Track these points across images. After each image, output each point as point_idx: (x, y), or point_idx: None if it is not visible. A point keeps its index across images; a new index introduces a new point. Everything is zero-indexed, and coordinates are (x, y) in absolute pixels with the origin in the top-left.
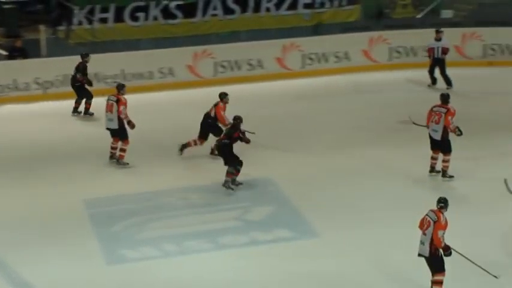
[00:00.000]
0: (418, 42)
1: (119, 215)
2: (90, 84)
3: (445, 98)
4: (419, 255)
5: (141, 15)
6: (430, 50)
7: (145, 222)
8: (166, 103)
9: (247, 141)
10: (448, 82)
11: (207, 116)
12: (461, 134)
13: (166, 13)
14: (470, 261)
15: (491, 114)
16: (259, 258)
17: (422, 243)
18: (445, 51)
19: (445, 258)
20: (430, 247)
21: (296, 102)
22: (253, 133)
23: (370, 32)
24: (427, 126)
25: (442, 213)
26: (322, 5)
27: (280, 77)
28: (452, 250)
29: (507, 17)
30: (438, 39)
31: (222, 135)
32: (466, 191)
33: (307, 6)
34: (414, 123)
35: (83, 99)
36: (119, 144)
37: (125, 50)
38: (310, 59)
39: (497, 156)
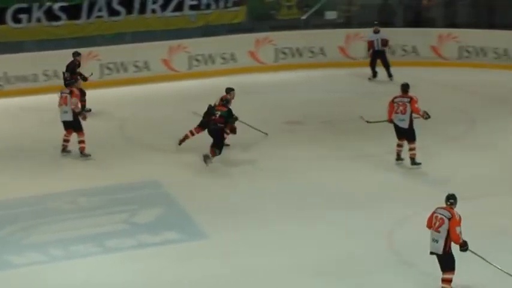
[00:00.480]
0: (303, 43)
1: (5, 220)
2: (85, 79)
3: (405, 88)
4: (432, 253)
5: (24, 16)
6: (370, 43)
7: (32, 226)
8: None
9: (234, 131)
10: (389, 74)
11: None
12: (429, 117)
13: (50, 15)
14: (481, 257)
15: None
16: (147, 261)
17: (435, 241)
18: (384, 42)
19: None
20: (445, 244)
21: (183, 103)
22: (265, 134)
23: (256, 33)
24: (388, 121)
25: (454, 210)
26: (208, 6)
27: (166, 79)
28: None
29: (389, 19)
30: (376, 32)
31: (218, 117)
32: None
33: (193, 7)
34: (368, 121)
35: (82, 95)
36: (76, 137)
37: (8, 52)
38: (197, 60)
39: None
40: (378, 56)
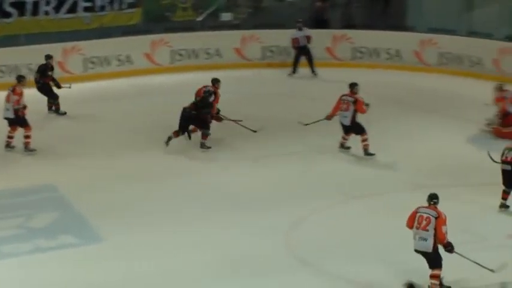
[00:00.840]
0: (199, 45)
1: None
2: (58, 86)
3: (352, 87)
4: (418, 251)
5: None
6: (295, 41)
7: None
8: None
9: (219, 119)
10: (313, 70)
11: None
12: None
13: None
14: (465, 257)
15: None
16: (44, 266)
17: (423, 239)
18: (308, 39)
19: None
20: (434, 242)
21: (79, 106)
22: (254, 131)
23: (152, 35)
24: (328, 117)
25: (438, 209)
26: (102, 8)
27: (61, 82)
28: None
29: (283, 20)
30: (300, 29)
31: (191, 105)
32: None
33: (87, 9)
34: (306, 124)
35: (53, 98)
36: (23, 132)
37: None
38: (92, 62)
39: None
40: (302, 53)
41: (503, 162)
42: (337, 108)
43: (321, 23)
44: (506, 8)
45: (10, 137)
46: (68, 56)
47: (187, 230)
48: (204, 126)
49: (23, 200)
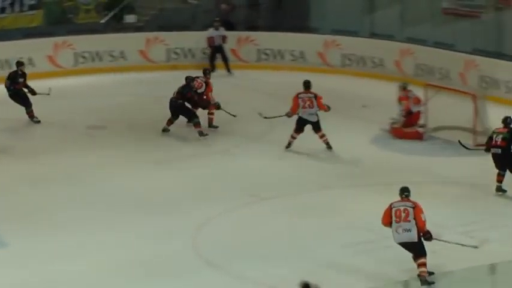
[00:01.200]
0: (103, 47)
1: None
2: (33, 92)
3: (307, 84)
4: (403, 243)
5: None
6: (210, 40)
7: None
8: None
9: (204, 107)
10: (229, 70)
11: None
12: (330, 109)
13: None
14: (445, 241)
15: None
16: None
17: (408, 230)
18: (224, 39)
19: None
20: (417, 232)
21: None
22: (234, 115)
23: (54, 37)
24: (288, 114)
25: (411, 200)
26: (2, 10)
27: None
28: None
29: (188, 22)
30: (217, 29)
31: (176, 94)
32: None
33: None
34: (266, 117)
35: (26, 106)
36: None
37: None
38: None
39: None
40: (218, 51)
41: (493, 146)
42: (296, 106)
43: (226, 25)
44: (407, 10)
45: None
46: None
47: (96, 233)
48: (191, 116)
49: None
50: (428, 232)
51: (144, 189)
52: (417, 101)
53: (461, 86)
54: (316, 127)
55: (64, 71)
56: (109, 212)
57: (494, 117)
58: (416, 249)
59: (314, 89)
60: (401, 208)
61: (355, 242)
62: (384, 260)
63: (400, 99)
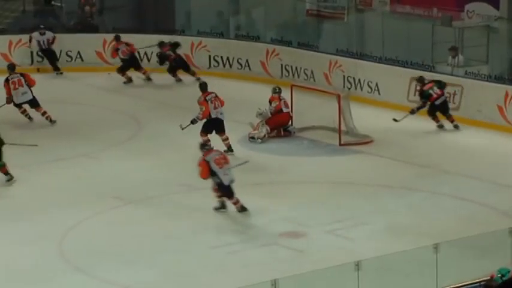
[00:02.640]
0: None
1: None
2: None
3: (203, 87)
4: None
5: None
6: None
7: None
8: None
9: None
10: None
11: None
12: None
13: None
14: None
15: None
16: None
17: (228, 172)
18: (51, 42)
19: None
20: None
21: None
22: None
23: None
24: (195, 120)
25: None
26: None
27: None
28: None
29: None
30: (42, 34)
31: None
32: None
33: None
34: (183, 127)
35: None
36: None
37: None
38: None
39: None
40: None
41: (436, 99)
42: (208, 109)
43: (90, 27)
44: (273, 11)
45: None
46: None
47: None
48: None
49: None
50: None
51: (8, 195)
52: (287, 105)
53: (325, 87)
54: (223, 128)
55: None
56: None
57: (357, 117)
58: (229, 192)
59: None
60: (217, 157)
61: (222, 243)
62: (252, 260)
63: (271, 99)
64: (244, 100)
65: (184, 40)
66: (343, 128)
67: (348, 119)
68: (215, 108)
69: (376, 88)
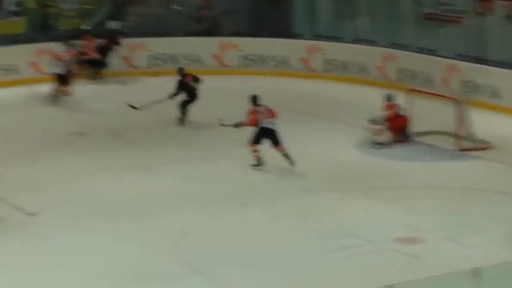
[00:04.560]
0: None
1: None
2: None
3: (254, 99)
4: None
5: None
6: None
7: None
8: None
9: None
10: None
11: None
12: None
13: None
14: None
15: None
16: None
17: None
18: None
19: None
20: None
21: None
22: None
23: (38, 43)
24: (237, 125)
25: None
26: None
27: None
28: None
29: (171, 28)
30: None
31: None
32: None
33: None
34: (222, 123)
35: None
36: None
37: None
38: None
39: None
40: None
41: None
42: (255, 118)
43: (210, 30)
44: (389, 16)
45: None
46: None
47: (74, 241)
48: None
49: None
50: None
51: (127, 195)
52: (402, 109)
53: (444, 91)
54: (278, 138)
55: (47, 78)
56: (86, 219)
57: (476, 122)
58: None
59: (295, 94)
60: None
61: (338, 247)
62: (367, 265)
63: (385, 107)
64: (360, 104)
65: (300, 44)
66: (462, 133)
67: (467, 124)
68: (264, 118)
69: (497, 93)
